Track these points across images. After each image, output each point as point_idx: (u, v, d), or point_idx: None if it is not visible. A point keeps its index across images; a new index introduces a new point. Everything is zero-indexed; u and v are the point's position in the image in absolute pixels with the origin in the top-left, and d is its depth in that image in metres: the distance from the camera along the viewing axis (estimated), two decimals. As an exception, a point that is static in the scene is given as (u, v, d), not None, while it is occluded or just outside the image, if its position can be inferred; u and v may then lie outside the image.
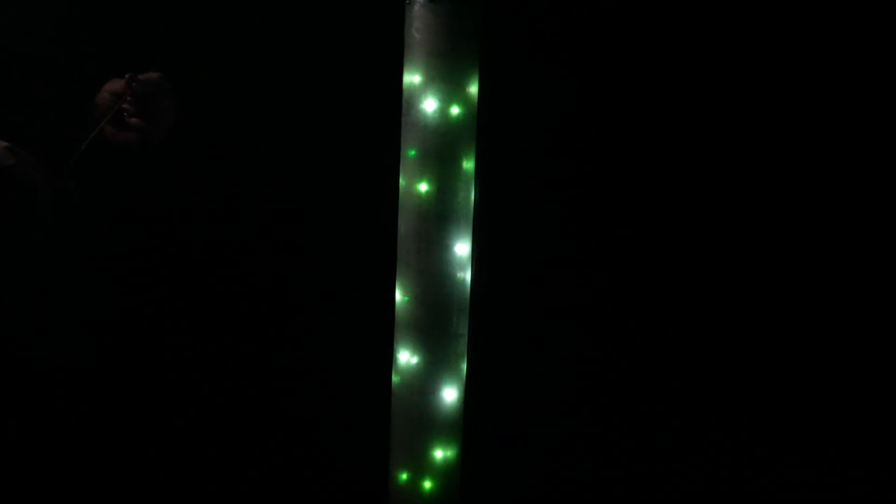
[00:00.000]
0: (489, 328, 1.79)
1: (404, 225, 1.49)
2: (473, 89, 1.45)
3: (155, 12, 1.79)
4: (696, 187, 2.22)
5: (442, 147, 1.43)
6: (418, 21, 1.40)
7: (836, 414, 2.27)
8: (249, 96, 1.92)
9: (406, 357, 1.51)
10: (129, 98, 1.43)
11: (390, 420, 1.55)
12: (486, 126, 1.50)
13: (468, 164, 1.47)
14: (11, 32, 1.69)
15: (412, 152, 1.45)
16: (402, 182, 1.47)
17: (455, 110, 1.41)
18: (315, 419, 2.09)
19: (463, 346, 1.53)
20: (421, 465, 1.53)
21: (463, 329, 1.52)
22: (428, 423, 1.52)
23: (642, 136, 2.19)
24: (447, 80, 1.41)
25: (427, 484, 1.53)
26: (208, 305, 2.05)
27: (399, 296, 1.51)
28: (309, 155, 2.04)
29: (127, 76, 1.41)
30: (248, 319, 2.11)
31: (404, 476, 1.54)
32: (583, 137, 2.16)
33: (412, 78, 1.42)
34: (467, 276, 1.51)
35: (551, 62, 2.09)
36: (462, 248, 1.48)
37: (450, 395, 1.52)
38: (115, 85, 1.46)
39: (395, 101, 1.44)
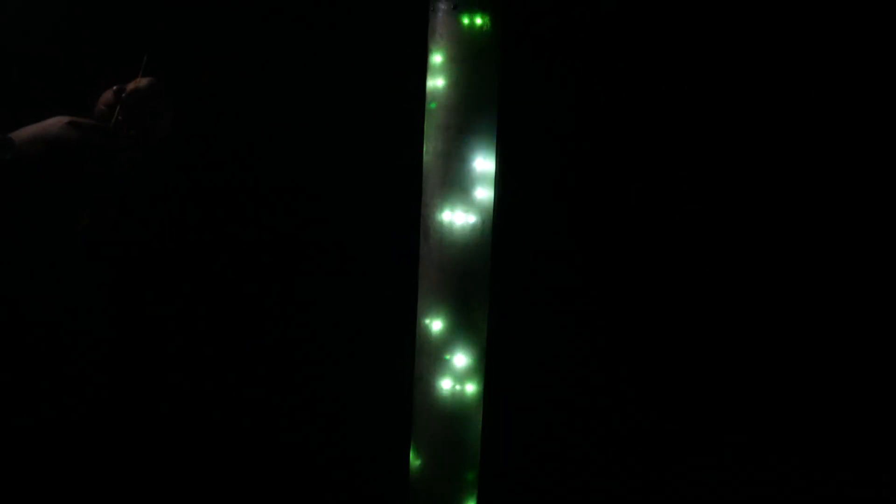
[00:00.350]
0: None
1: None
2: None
3: (156, 14, 1.78)
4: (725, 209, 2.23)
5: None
6: (441, 27, 1.42)
7: (834, 416, 2.27)
8: (273, 98, 1.92)
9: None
10: (119, 110, 1.39)
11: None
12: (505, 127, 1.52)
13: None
14: (11, 37, 1.67)
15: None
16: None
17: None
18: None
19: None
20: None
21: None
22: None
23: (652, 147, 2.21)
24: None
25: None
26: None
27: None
28: (333, 159, 2.05)
29: (114, 88, 1.38)
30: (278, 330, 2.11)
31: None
32: (602, 144, 2.18)
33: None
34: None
35: (569, 70, 2.11)
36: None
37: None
38: (109, 96, 1.44)
39: (419, 104, 1.46)
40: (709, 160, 2.22)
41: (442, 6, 1.43)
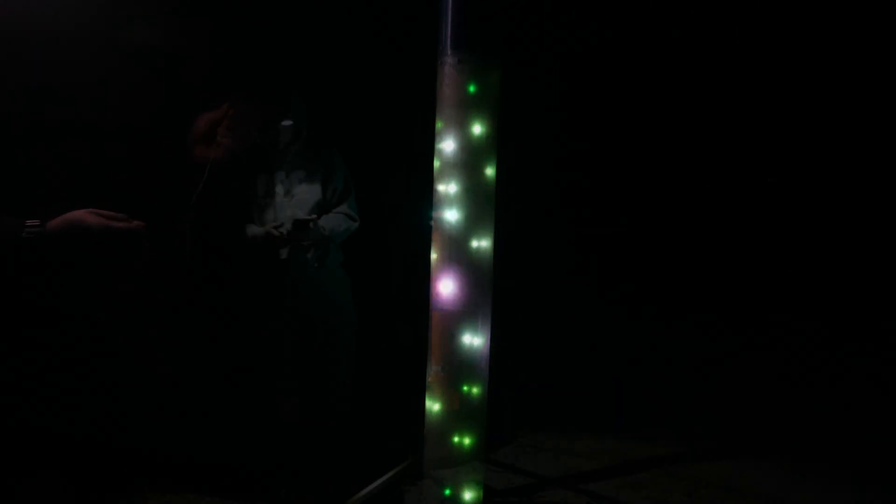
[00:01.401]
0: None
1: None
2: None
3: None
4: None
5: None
6: (448, 78, 1.67)
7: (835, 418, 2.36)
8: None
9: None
10: (225, 123, 1.85)
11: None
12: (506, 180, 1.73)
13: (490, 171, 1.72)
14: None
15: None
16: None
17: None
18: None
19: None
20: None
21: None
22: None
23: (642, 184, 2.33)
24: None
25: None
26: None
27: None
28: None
29: (225, 105, 1.85)
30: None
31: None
32: (594, 189, 2.33)
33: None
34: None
35: (564, 115, 2.29)
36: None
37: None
38: (212, 114, 1.87)
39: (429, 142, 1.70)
40: (708, 187, 2.34)
41: (448, 60, 1.67)
